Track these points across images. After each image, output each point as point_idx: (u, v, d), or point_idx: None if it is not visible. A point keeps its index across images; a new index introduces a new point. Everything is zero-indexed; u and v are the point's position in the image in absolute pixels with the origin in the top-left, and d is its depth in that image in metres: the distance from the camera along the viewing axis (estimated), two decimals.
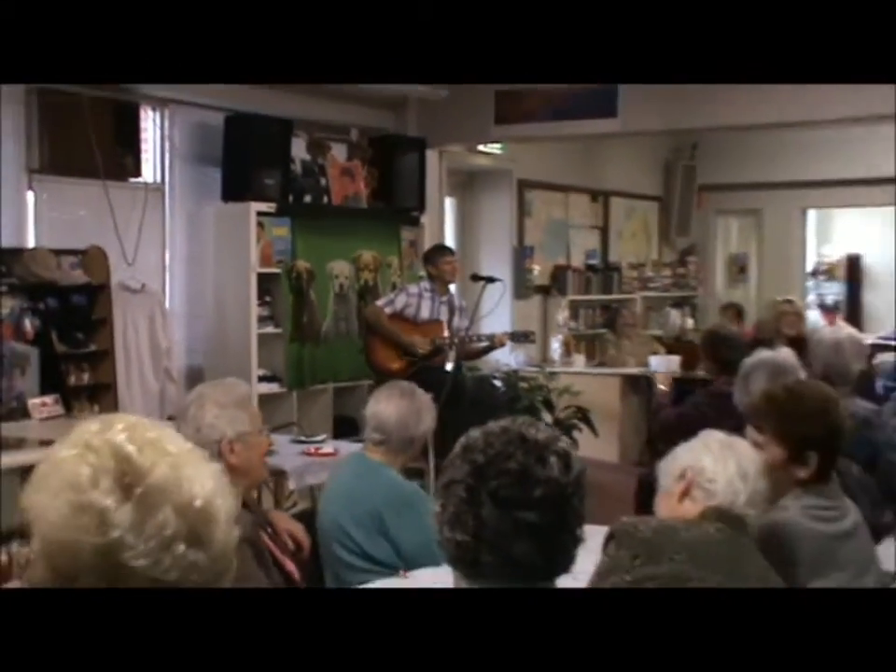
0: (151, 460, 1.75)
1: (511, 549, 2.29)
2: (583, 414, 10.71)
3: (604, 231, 14.41)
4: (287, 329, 9.68)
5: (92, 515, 1.70)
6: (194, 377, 9.24)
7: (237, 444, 3.92)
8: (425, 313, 9.04)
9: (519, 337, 9.84)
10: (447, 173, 11.80)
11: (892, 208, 14.71)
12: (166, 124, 9.27)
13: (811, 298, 15.54)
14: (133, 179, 8.86)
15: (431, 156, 11.17)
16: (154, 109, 9.16)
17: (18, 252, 7.91)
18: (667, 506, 3.44)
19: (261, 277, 9.44)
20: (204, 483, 1.77)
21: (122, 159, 8.65)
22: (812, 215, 15.89)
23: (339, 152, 10.45)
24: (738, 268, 16.16)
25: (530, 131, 10.96)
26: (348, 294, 10.25)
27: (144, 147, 8.97)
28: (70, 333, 8.00)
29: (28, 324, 7.12)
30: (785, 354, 5.76)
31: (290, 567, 4.34)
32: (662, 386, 9.96)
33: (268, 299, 9.59)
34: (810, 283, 15.87)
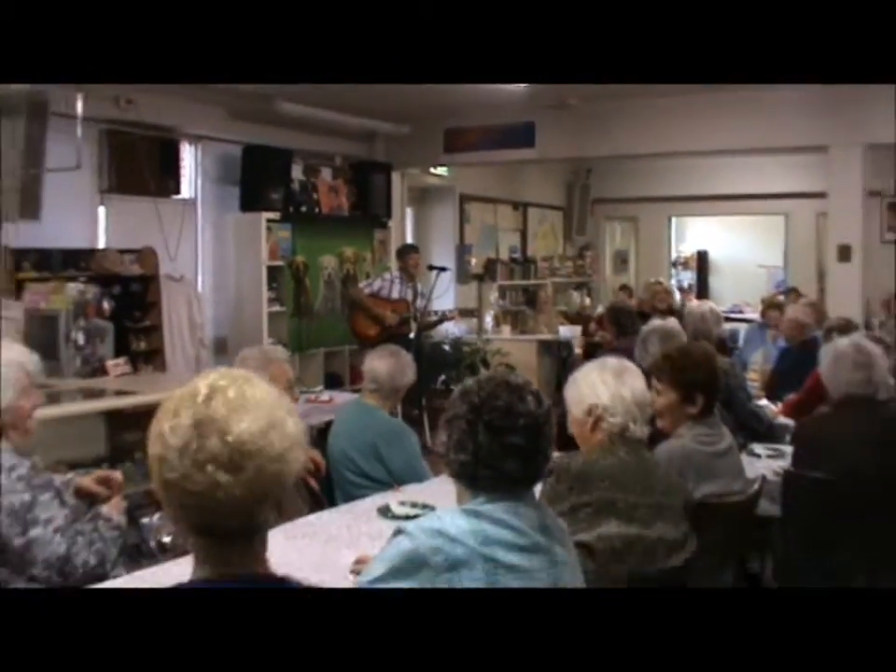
0: (217, 401, 1.67)
1: (503, 465, 2.34)
2: (511, 370, 10.73)
3: (523, 233, 14.32)
4: (289, 308, 9.70)
5: (157, 435, 1.68)
6: (220, 345, 9.35)
7: None
8: (395, 294, 9.05)
9: (464, 312, 9.93)
10: (407, 189, 11.78)
11: (730, 217, 15.01)
12: (199, 154, 9.25)
13: (673, 282, 15.62)
14: (174, 196, 8.84)
15: (395, 176, 11.14)
16: (190, 143, 9.13)
17: (93, 252, 8.01)
18: (581, 434, 3.38)
19: (270, 269, 9.43)
20: (253, 423, 1.65)
21: (167, 181, 8.64)
22: (674, 221, 15.93)
23: (326, 174, 10.47)
24: (621, 260, 16.15)
25: (470, 158, 10.98)
26: (334, 281, 10.29)
27: (182, 172, 8.95)
28: (131, 312, 8.02)
29: (105, 305, 7.11)
30: (672, 322, 5.79)
31: (312, 483, 4.37)
32: (578, 350, 10.08)
33: (274, 285, 9.55)
34: (672, 271, 15.92)
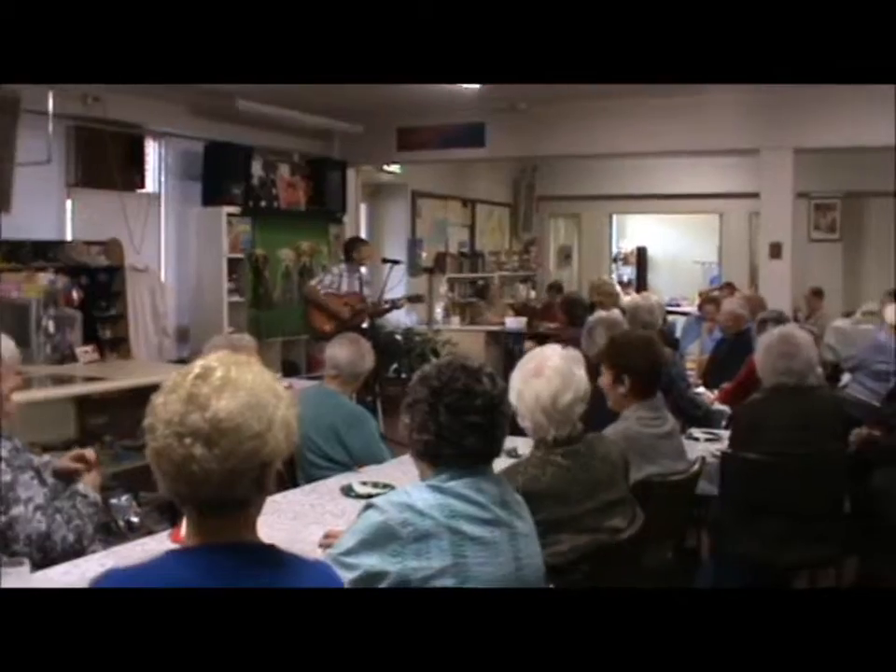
0: (206, 380, 1.71)
1: (464, 442, 2.39)
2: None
3: (472, 228, 14.39)
4: (249, 299, 9.69)
5: (152, 407, 1.73)
6: (182, 334, 9.35)
7: None
8: (345, 287, 9.01)
9: (413, 298, 9.94)
10: (362, 185, 11.79)
11: (669, 215, 15.16)
12: (163, 150, 9.20)
13: (613, 276, 15.76)
14: (139, 190, 8.79)
15: (350, 173, 11.14)
16: (155, 140, 9.08)
17: (62, 244, 7.95)
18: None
19: (230, 261, 9.42)
20: (232, 402, 1.69)
21: (132, 176, 8.59)
22: (615, 218, 16.05)
23: (285, 170, 10.43)
24: (565, 255, 16.23)
25: (422, 156, 11.01)
26: (292, 273, 10.27)
27: (147, 167, 8.89)
28: (98, 301, 7.97)
29: (75, 294, 7.08)
30: (616, 313, 5.87)
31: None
32: (529, 343, 10.15)
33: (234, 276, 9.53)
34: (613, 266, 16.04)
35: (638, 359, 4.04)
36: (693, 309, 11.65)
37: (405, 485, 2.56)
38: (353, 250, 9.14)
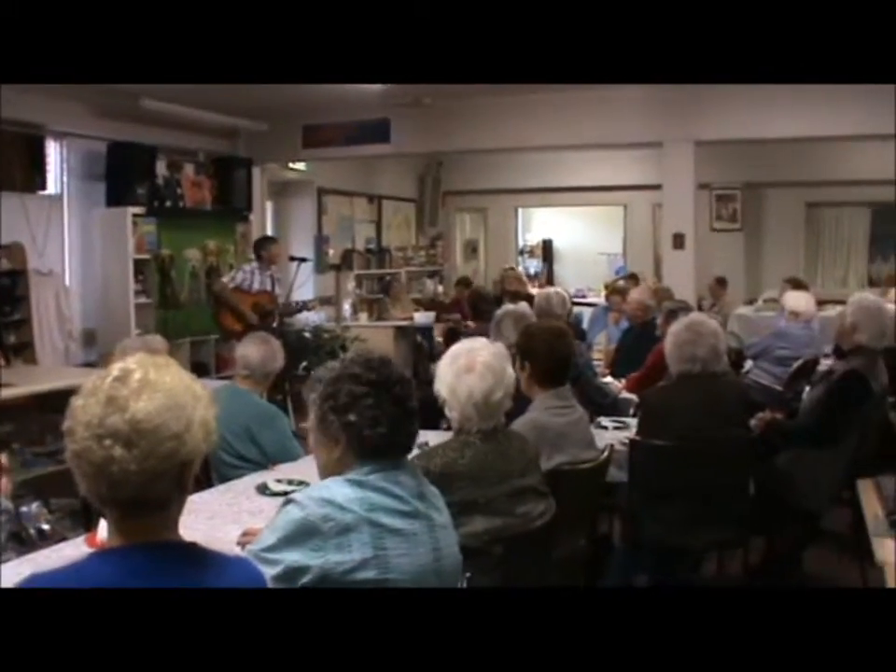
0: (124, 382, 1.73)
1: (410, 429, 2.50)
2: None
3: (378, 224, 14.38)
4: (156, 300, 9.60)
5: (71, 410, 1.74)
6: (89, 337, 9.22)
7: None
8: (256, 285, 8.99)
9: (323, 300, 9.96)
10: (268, 183, 11.75)
11: (574, 208, 15.32)
12: (65, 151, 9.05)
13: (520, 269, 15.86)
14: (41, 192, 8.65)
15: (256, 171, 11.11)
16: (56, 140, 8.93)
17: None
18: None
19: (136, 262, 9.30)
20: (150, 403, 1.71)
21: (33, 177, 8.45)
22: (521, 212, 16.16)
23: (190, 169, 10.37)
24: (471, 249, 16.31)
25: (327, 153, 11.00)
26: (199, 273, 10.21)
27: (48, 168, 8.75)
28: (1, 307, 7.85)
29: None
30: (523, 306, 5.95)
31: None
32: (439, 338, 10.24)
33: (141, 277, 9.42)
34: (519, 259, 16.14)
35: (539, 346, 4.10)
36: (599, 300, 11.82)
37: (319, 482, 2.56)
38: (262, 249, 9.12)
